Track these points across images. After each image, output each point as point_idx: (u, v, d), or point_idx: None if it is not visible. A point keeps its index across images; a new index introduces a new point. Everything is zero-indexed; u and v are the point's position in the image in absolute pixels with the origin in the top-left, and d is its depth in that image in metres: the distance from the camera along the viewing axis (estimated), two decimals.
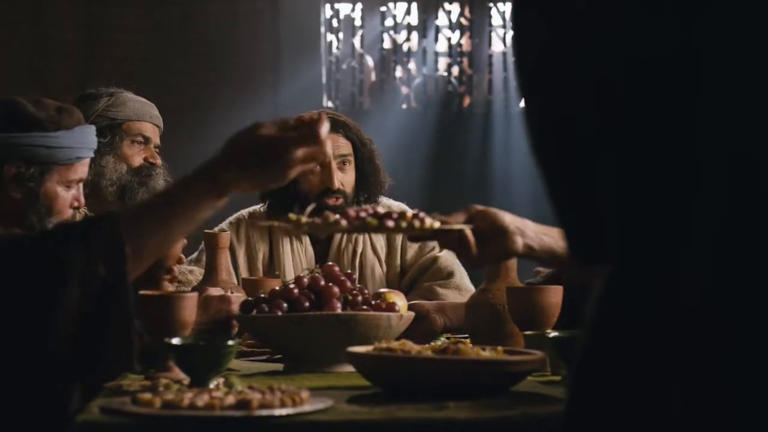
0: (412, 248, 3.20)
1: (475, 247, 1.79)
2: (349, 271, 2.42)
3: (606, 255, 1.05)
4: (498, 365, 1.71)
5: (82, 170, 2.31)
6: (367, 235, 3.18)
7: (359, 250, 3.16)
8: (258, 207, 3.22)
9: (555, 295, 2.16)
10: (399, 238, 3.20)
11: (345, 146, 3.12)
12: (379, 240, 3.20)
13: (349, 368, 1.95)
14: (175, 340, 1.78)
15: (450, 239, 1.80)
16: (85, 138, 2.30)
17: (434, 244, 3.18)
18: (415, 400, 1.59)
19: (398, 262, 3.19)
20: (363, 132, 3.19)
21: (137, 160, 2.86)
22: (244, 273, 3.09)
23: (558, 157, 1.07)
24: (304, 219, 1.73)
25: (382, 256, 3.19)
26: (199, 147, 5.41)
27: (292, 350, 2.10)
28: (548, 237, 1.83)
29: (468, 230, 1.78)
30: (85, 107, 2.83)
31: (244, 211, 3.24)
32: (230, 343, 1.76)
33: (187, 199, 1.66)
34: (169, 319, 1.88)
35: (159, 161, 2.90)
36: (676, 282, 0.99)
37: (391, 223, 1.74)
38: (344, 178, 3.10)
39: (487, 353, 1.75)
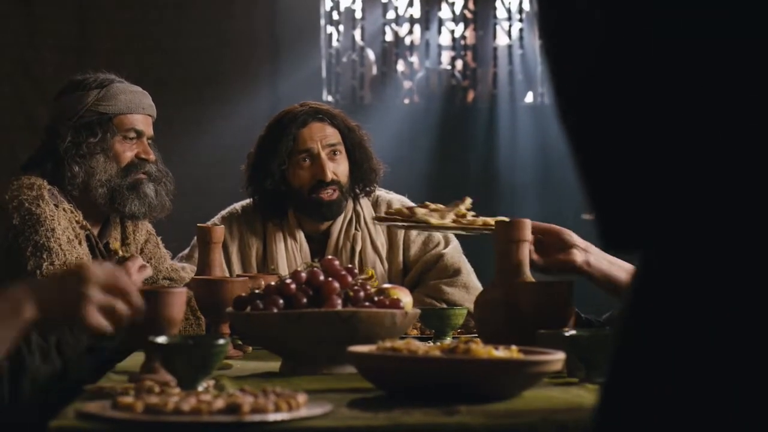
0: (416, 244, 3.12)
1: (536, 253, 2.17)
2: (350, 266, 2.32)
3: (642, 239, 1.01)
4: (514, 366, 1.59)
5: None
6: (366, 232, 3.09)
7: (358, 248, 3.08)
8: (250, 201, 3.12)
9: (571, 291, 2.09)
10: (400, 234, 3.11)
11: (333, 135, 3.04)
12: (380, 236, 3.11)
13: (350, 369, 1.90)
14: (161, 339, 1.72)
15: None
16: None
17: (439, 239, 3.12)
18: (423, 405, 1.51)
19: (401, 258, 3.12)
20: (349, 119, 3.10)
21: (128, 156, 2.75)
22: (237, 269, 3.03)
23: (594, 135, 1.02)
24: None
25: (383, 253, 3.10)
26: (196, 142, 5.35)
27: (288, 350, 2.03)
28: (611, 264, 2.16)
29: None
30: (75, 99, 2.73)
31: (237, 205, 3.17)
32: (221, 342, 1.67)
33: None
34: (155, 316, 1.81)
35: (152, 156, 2.78)
36: (721, 268, 0.94)
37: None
38: (337, 168, 3.02)
39: (500, 353, 1.63)
